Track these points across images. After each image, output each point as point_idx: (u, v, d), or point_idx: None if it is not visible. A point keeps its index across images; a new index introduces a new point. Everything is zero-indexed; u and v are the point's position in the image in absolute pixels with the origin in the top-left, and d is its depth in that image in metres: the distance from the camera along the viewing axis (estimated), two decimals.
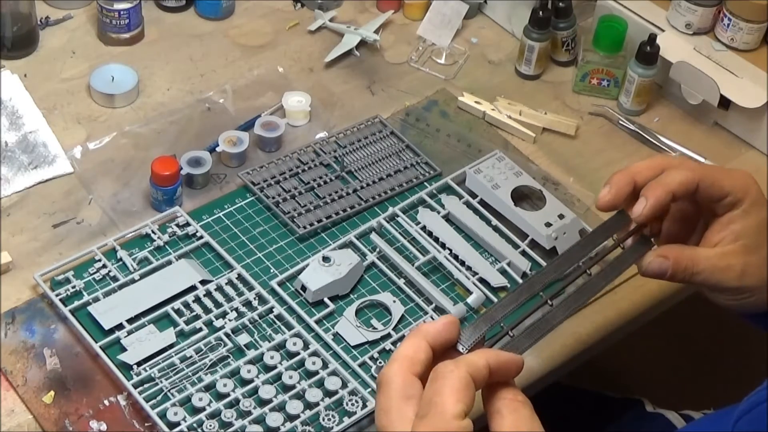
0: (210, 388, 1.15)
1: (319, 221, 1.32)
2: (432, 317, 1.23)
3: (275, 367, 1.17)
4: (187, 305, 1.22)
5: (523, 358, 0.85)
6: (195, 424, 1.11)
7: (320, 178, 1.37)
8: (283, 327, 1.21)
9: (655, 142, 1.48)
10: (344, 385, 1.16)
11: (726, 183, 0.99)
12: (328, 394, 1.15)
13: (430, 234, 1.31)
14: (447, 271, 1.28)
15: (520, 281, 1.28)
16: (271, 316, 1.22)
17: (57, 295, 1.21)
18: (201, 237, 1.29)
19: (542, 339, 0.91)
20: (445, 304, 1.23)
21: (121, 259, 1.25)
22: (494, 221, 1.34)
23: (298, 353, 1.18)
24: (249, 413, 1.13)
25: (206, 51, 1.54)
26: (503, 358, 0.83)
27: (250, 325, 1.21)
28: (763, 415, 0.89)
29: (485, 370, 0.81)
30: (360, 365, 1.19)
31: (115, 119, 1.43)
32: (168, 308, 1.21)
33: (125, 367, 1.15)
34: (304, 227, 1.31)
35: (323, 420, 1.13)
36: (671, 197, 0.97)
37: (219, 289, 1.24)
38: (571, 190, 1.40)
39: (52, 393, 1.14)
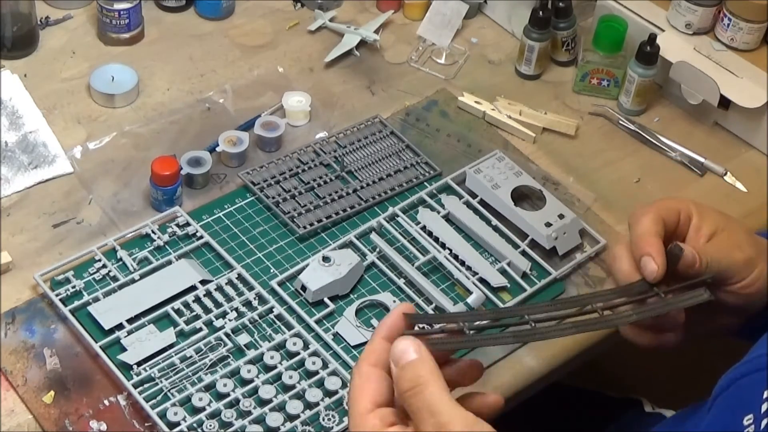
0: (210, 388, 1.15)
1: (319, 221, 1.32)
2: None
3: (275, 367, 1.17)
4: (187, 305, 1.22)
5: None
6: (195, 424, 1.11)
7: (320, 178, 1.37)
8: (283, 327, 1.21)
9: (655, 142, 1.48)
10: (344, 385, 1.16)
11: (673, 205, 1.04)
12: (328, 394, 1.15)
13: (430, 234, 1.31)
14: (447, 271, 1.28)
15: (520, 281, 1.28)
16: (271, 316, 1.22)
17: (57, 295, 1.21)
18: (201, 237, 1.29)
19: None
20: (445, 304, 1.23)
21: (121, 259, 1.25)
22: (494, 221, 1.34)
23: (298, 353, 1.18)
24: (249, 413, 1.13)
25: (206, 51, 1.54)
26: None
27: (250, 325, 1.21)
28: (741, 389, 0.89)
29: (384, 344, 0.85)
30: None
31: (115, 119, 1.43)
32: (168, 308, 1.21)
33: (125, 367, 1.15)
34: (304, 227, 1.31)
35: (323, 420, 1.13)
36: (661, 238, 1.00)
37: (219, 289, 1.24)
38: (571, 190, 1.40)
39: (52, 393, 1.14)
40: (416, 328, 0.87)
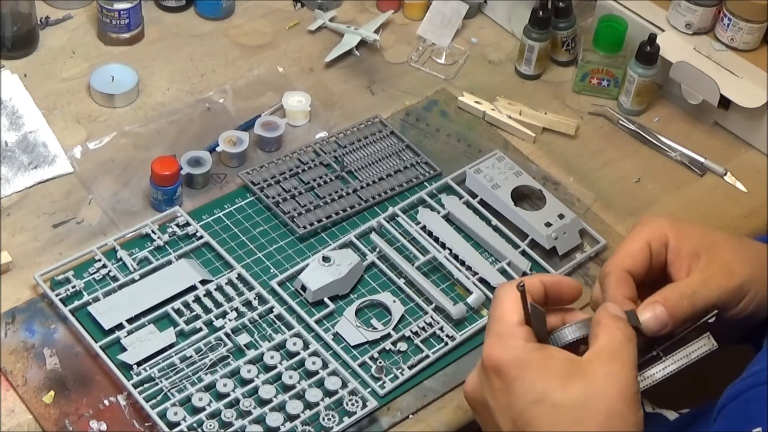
0: (210, 388, 1.15)
1: (319, 221, 1.32)
2: (432, 317, 1.23)
3: (275, 367, 1.17)
4: (187, 305, 1.22)
5: (581, 285, 0.95)
6: (195, 424, 1.11)
7: (320, 178, 1.37)
8: (283, 327, 1.21)
9: (655, 142, 1.48)
10: (344, 385, 1.16)
11: (639, 245, 0.98)
12: (328, 394, 1.15)
13: (430, 234, 1.31)
14: (447, 271, 1.28)
15: None
16: (271, 316, 1.22)
17: (57, 295, 1.21)
18: (201, 237, 1.29)
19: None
20: (445, 304, 1.23)
21: (121, 259, 1.25)
22: (494, 221, 1.34)
23: (298, 353, 1.18)
24: (249, 413, 1.13)
25: (206, 51, 1.54)
26: (556, 278, 0.95)
27: (250, 325, 1.21)
28: (748, 402, 0.89)
29: (540, 286, 0.93)
30: (360, 365, 1.19)
31: (115, 119, 1.43)
32: (168, 308, 1.21)
33: (125, 367, 1.15)
34: (304, 227, 1.31)
35: (323, 420, 1.13)
36: (632, 299, 0.96)
37: (219, 289, 1.24)
38: (571, 190, 1.40)
39: (52, 393, 1.14)
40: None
